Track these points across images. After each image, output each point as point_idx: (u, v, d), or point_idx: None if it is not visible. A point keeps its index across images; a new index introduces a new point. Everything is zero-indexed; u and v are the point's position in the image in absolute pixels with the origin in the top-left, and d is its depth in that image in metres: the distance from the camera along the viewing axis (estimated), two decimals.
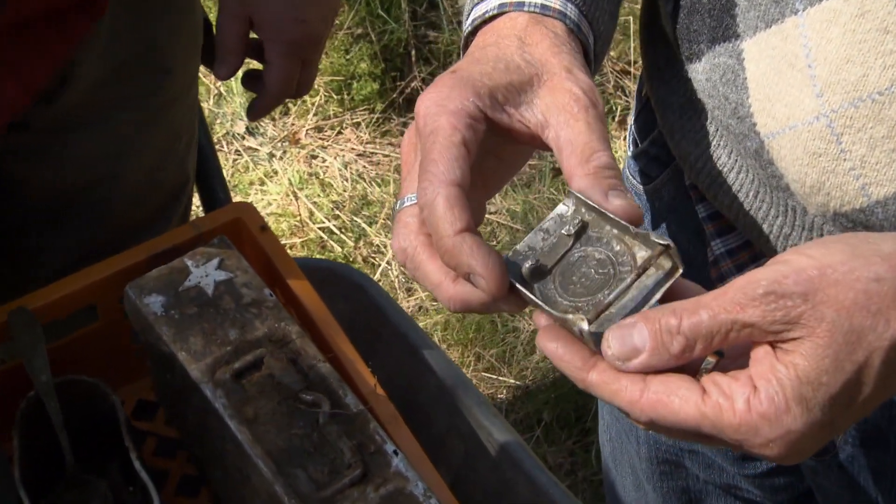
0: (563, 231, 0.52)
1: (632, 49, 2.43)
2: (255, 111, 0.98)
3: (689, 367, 0.46)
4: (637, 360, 0.46)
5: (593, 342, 0.46)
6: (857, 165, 0.54)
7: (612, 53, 2.45)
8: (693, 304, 0.45)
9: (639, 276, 0.48)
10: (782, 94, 0.55)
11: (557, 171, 2.26)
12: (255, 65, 0.98)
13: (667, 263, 0.49)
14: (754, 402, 0.43)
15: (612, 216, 0.50)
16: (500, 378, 1.87)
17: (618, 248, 0.51)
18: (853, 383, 0.43)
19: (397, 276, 2.02)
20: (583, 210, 0.52)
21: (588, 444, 1.78)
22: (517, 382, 1.87)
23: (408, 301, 1.97)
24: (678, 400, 0.45)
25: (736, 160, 0.62)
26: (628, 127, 0.76)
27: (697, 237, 0.70)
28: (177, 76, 0.95)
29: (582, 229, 0.52)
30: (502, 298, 0.49)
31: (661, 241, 0.48)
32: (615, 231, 0.51)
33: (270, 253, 0.85)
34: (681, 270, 0.49)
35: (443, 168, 0.49)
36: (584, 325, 0.46)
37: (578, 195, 0.51)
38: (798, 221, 0.60)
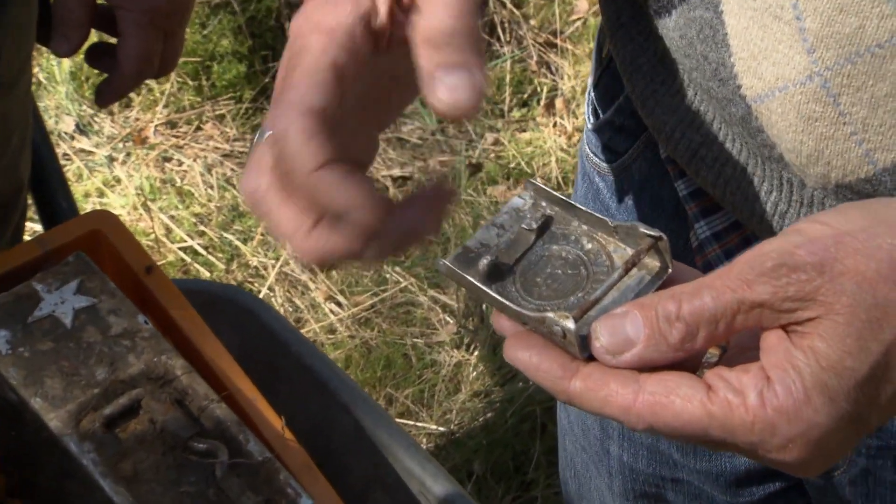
0: (522, 226, 0.55)
1: (557, 16, 2.50)
2: (107, 94, 0.98)
3: (688, 367, 0.49)
4: (630, 353, 0.48)
5: (578, 345, 0.49)
6: (859, 129, 0.58)
7: (532, 22, 2.52)
8: (694, 286, 0.48)
9: (624, 273, 0.51)
10: (769, 51, 0.58)
11: (475, 168, 2.30)
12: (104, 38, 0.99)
13: (654, 263, 0.52)
14: (769, 395, 0.46)
15: (581, 209, 0.54)
16: (419, 424, 1.89)
17: (589, 246, 0.54)
18: (881, 367, 0.46)
19: (282, 304, 2.03)
20: (543, 203, 0.55)
21: (531, 500, 1.81)
22: (440, 428, 1.89)
23: None
24: (680, 400, 0.47)
25: (720, 128, 0.66)
26: (587, 95, 0.80)
27: (678, 220, 0.74)
28: (6, 58, 0.95)
29: (545, 225, 0.55)
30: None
31: (652, 233, 0.52)
32: (585, 227, 0.54)
33: (139, 272, 0.85)
34: (670, 270, 0.52)
35: (301, 93, 0.50)
36: (570, 324, 0.48)
37: (538, 184, 0.54)
38: (795, 196, 0.64)
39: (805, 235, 0.48)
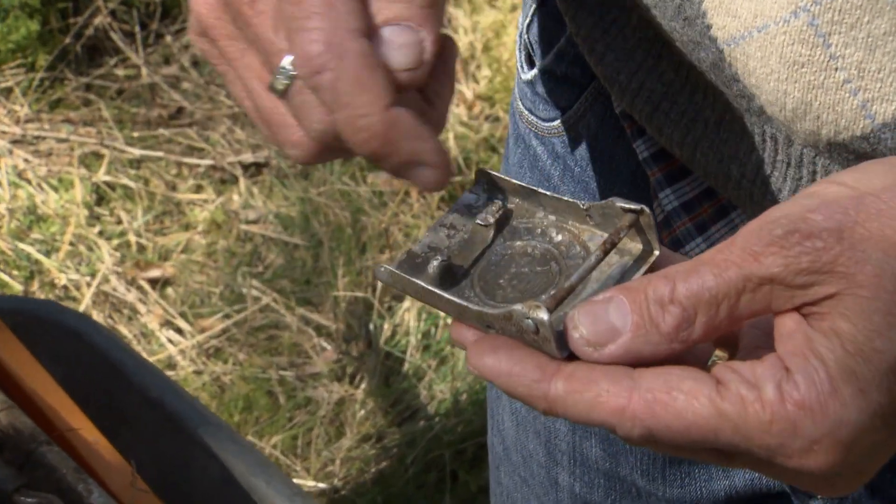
0: (477, 221, 0.58)
1: None
2: None
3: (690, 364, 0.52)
4: (615, 345, 0.51)
5: (555, 340, 0.52)
6: (854, 76, 0.61)
7: None
8: (690, 264, 0.51)
9: (603, 256, 0.55)
10: None
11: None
12: None
13: (637, 247, 0.56)
14: (788, 387, 0.49)
15: (547, 195, 0.57)
16: (292, 479, 1.90)
17: (559, 237, 0.57)
18: None
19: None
20: (499, 196, 0.59)
21: None
22: (320, 485, 1.90)
23: None
24: (684, 396, 0.50)
25: (687, 76, 0.69)
26: (518, 38, 0.83)
27: (638, 188, 0.77)
28: None
29: (503, 219, 0.58)
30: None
31: (631, 206, 0.55)
32: (552, 217, 0.58)
33: None
34: (657, 252, 0.55)
35: (340, 6, 0.53)
36: (544, 315, 0.51)
37: (491, 173, 0.58)
38: (781, 155, 0.68)
39: (820, 198, 0.51)
